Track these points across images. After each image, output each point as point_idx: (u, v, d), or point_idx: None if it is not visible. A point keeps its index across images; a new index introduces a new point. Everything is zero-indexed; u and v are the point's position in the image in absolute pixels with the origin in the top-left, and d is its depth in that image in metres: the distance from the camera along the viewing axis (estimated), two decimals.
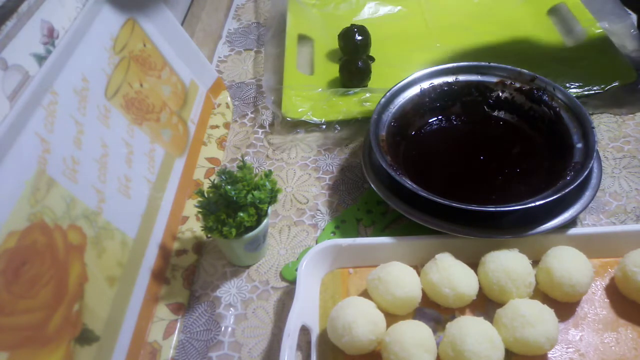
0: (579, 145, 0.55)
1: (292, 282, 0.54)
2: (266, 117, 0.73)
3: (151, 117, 0.59)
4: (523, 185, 0.55)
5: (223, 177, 0.50)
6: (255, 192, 0.49)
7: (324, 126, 0.69)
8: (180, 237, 0.58)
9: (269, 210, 0.52)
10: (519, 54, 0.75)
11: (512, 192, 0.55)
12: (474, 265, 0.50)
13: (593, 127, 0.55)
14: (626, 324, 0.48)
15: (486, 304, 0.49)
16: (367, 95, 0.69)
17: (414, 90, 0.63)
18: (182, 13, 0.80)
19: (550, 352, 0.46)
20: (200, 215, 0.51)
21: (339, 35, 0.77)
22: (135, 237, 0.51)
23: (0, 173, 0.38)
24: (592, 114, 0.56)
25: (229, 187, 0.49)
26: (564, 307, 0.49)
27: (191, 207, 0.59)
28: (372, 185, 0.56)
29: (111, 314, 0.46)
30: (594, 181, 0.55)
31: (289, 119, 0.69)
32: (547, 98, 0.60)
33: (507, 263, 0.48)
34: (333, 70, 0.75)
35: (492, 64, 0.64)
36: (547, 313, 0.45)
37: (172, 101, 0.64)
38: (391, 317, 0.47)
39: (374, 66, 0.73)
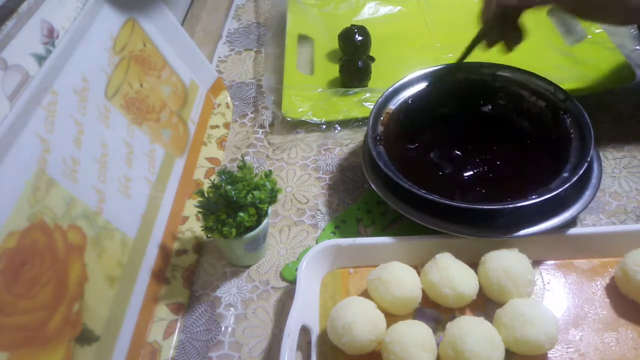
0: (577, 144, 0.55)
1: (292, 282, 0.54)
2: (266, 117, 0.73)
3: (151, 117, 0.59)
4: (522, 184, 0.55)
5: (223, 177, 0.50)
6: (255, 192, 0.49)
7: (324, 126, 0.69)
8: (180, 237, 0.58)
9: (269, 210, 0.52)
10: (519, 54, 0.74)
11: (512, 192, 0.55)
12: (474, 265, 0.50)
13: (591, 127, 0.55)
14: (626, 323, 0.48)
15: (486, 304, 0.49)
16: (367, 95, 0.69)
17: (417, 88, 0.63)
18: (182, 13, 0.80)
19: (550, 352, 0.46)
20: (200, 215, 0.51)
21: (339, 36, 0.77)
22: (135, 237, 0.51)
23: (0, 173, 0.38)
24: (592, 113, 0.56)
25: (229, 187, 0.49)
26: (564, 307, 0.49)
27: (191, 207, 0.59)
28: (372, 185, 0.56)
29: (111, 314, 0.46)
30: (594, 181, 0.55)
31: (289, 119, 0.69)
32: (545, 97, 0.60)
33: (507, 263, 0.48)
34: (333, 70, 0.75)
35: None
36: (547, 312, 0.45)
37: (172, 101, 0.64)
38: (391, 317, 0.47)
39: (374, 66, 0.73)
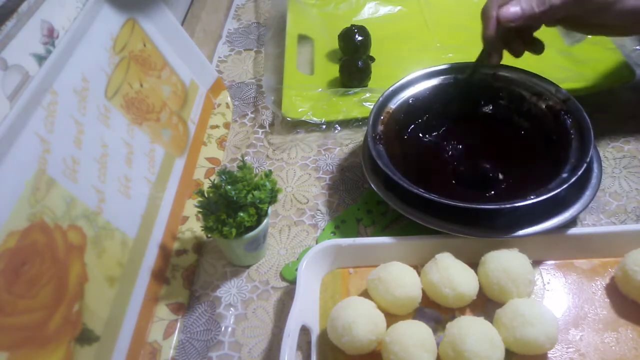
0: (577, 145, 0.55)
1: (292, 282, 0.54)
2: (266, 117, 0.73)
3: (151, 117, 0.59)
4: (522, 184, 0.55)
5: (223, 177, 0.50)
6: (255, 192, 0.49)
7: (324, 126, 0.69)
8: (180, 237, 0.58)
9: (269, 210, 0.52)
10: None
11: (512, 192, 0.55)
12: (474, 265, 0.50)
13: (591, 128, 0.55)
14: (626, 323, 0.48)
15: (486, 304, 0.49)
16: (367, 95, 0.69)
17: (417, 88, 0.63)
18: (182, 13, 0.80)
19: (550, 352, 0.46)
20: (200, 215, 0.51)
21: (339, 36, 0.77)
22: (135, 237, 0.51)
23: (0, 173, 0.38)
24: (592, 113, 0.56)
25: (229, 187, 0.49)
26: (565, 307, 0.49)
27: (191, 207, 0.59)
28: (372, 185, 0.56)
29: (111, 314, 0.46)
30: (594, 181, 0.55)
31: (289, 119, 0.69)
32: (546, 98, 0.60)
33: (507, 263, 0.47)
34: (333, 70, 0.75)
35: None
36: (547, 312, 0.45)
37: (172, 101, 0.64)
38: (391, 317, 0.47)
39: (374, 66, 0.73)
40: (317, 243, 0.57)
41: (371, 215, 0.59)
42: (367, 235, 0.57)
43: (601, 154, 0.62)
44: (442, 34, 0.82)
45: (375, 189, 0.56)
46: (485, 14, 0.56)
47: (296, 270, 0.51)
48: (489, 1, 0.56)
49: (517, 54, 0.58)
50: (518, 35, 0.58)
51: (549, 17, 0.53)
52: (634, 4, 0.52)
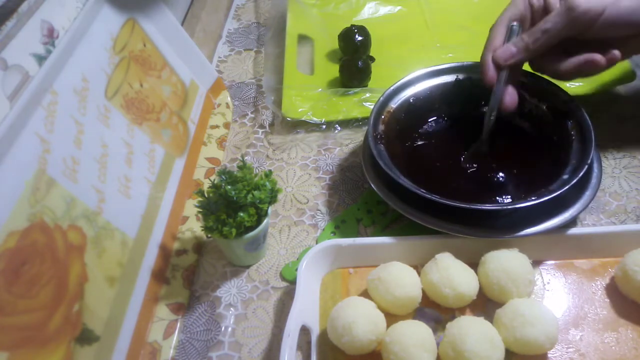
0: (578, 146, 0.55)
1: (292, 282, 0.54)
2: (266, 117, 0.73)
3: (151, 117, 0.59)
4: (523, 184, 0.55)
5: (223, 177, 0.50)
6: (256, 192, 0.49)
7: (324, 126, 0.69)
8: (180, 237, 0.58)
9: (269, 210, 0.52)
10: None
11: (512, 192, 0.55)
12: (474, 265, 0.50)
13: (592, 129, 0.55)
14: (626, 323, 0.48)
15: (486, 304, 0.49)
16: (367, 95, 0.70)
17: (418, 87, 0.63)
18: (182, 13, 0.80)
19: (550, 352, 0.46)
20: (200, 215, 0.51)
21: (339, 36, 0.77)
22: (135, 237, 0.51)
23: (0, 173, 0.38)
24: (592, 113, 0.56)
25: (229, 187, 0.49)
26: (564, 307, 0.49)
27: (191, 207, 0.59)
28: (372, 185, 0.56)
29: (111, 314, 0.46)
30: (594, 181, 0.55)
31: (289, 119, 0.69)
32: (547, 99, 0.60)
33: (507, 263, 0.48)
34: (333, 70, 0.75)
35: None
36: (547, 312, 0.45)
37: (172, 101, 0.64)
38: (391, 317, 0.47)
39: (374, 66, 0.73)
40: (317, 243, 0.57)
41: (371, 215, 0.59)
42: (367, 235, 0.57)
43: (601, 153, 0.62)
44: (442, 34, 0.82)
45: (375, 188, 0.56)
46: (481, 61, 0.56)
47: (296, 270, 0.51)
48: (484, 49, 0.56)
49: (565, 76, 0.55)
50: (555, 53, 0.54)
51: (546, 46, 0.52)
52: (627, 6, 0.49)
